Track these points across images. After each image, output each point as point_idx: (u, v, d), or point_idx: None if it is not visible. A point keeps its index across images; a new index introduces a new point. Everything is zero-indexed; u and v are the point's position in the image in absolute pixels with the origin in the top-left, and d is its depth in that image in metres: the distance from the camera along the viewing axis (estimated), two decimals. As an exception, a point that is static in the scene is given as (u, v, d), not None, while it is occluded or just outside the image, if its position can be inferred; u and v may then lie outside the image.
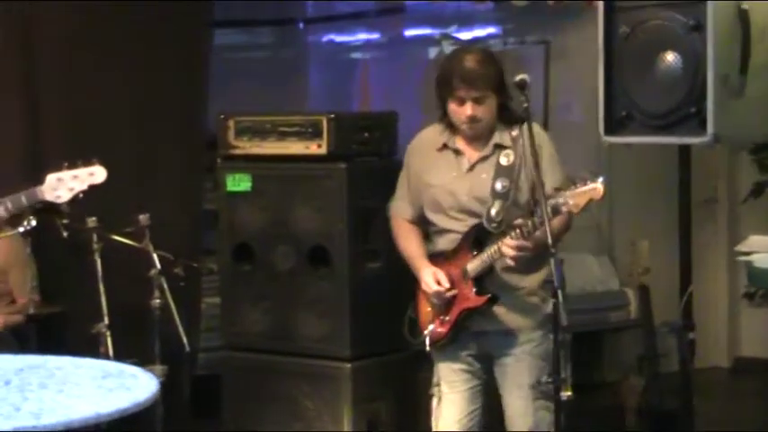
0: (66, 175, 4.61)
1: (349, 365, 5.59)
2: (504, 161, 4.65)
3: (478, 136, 4.70)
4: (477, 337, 4.78)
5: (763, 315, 8.20)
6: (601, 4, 4.86)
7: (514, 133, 4.66)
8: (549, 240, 4.34)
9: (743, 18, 4.54)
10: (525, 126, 4.58)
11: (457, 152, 4.75)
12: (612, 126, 4.74)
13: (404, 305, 5.85)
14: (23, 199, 4.58)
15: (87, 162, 4.66)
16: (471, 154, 4.73)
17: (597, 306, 7.34)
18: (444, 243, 4.80)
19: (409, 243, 4.90)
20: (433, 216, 4.83)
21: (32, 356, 3.68)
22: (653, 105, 4.77)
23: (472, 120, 4.63)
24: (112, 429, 3.11)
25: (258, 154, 5.84)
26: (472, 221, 4.68)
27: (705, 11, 4.51)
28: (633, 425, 6.13)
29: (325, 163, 5.66)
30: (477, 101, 4.62)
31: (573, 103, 7.96)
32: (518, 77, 4.56)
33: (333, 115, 5.67)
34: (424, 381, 5.85)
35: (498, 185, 4.59)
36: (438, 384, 4.89)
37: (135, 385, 3.20)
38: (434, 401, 4.91)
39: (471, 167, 4.71)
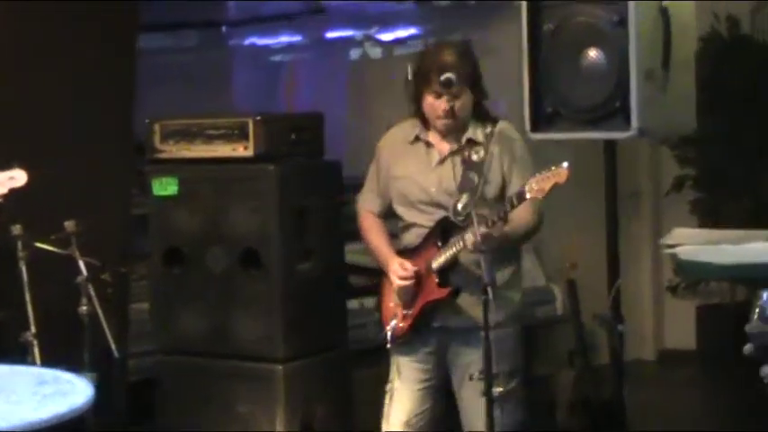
0: None
1: (282, 366, 5.58)
2: (474, 156, 4.66)
3: (451, 131, 4.73)
4: (438, 332, 4.79)
5: (686, 307, 8.34)
6: (524, 3, 4.92)
7: (488, 130, 4.69)
8: (478, 237, 4.39)
9: (664, 15, 4.61)
10: (500, 125, 4.68)
11: (428, 145, 4.79)
12: (538, 123, 4.79)
13: (338, 305, 5.90)
14: None
15: (7, 166, 4.59)
16: (442, 147, 4.76)
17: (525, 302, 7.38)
18: (411, 238, 4.81)
19: (376, 236, 4.91)
20: (401, 209, 4.85)
21: (-31, 364, 3.65)
22: (579, 101, 4.84)
23: (448, 114, 4.65)
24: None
25: (185, 157, 5.82)
26: (440, 214, 4.69)
27: (628, 8, 4.58)
28: (565, 418, 6.19)
29: (255, 164, 5.65)
30: (453, 95, 4.65)
31: (498, 101, 8.01)
32: (443, 77, 4.61)
33: (259, 117, 5.66)
34: (360, 381, 5.90)
35: (466, 180, 4.61)
36: (392, 381, 4.90)
37: (71, 391, 3.19)
38: (387, 398, 4.91)
39: (441, 161, 4.74)
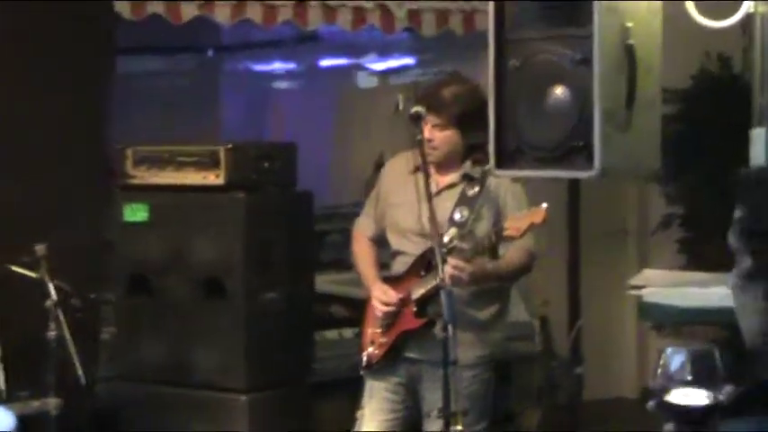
0: None
1: (245, 397, 5.56)
2: (469, 192, 4.70)
3: (440, 163, 4.76)
4: (410, 363, 4.80)
5: (671, 346, 8.22)
6: (491, 39, 4.85)
7: (486, 168, 4.68)
8: (442, 275, 4.34)
9: (629, 52, 4.54)
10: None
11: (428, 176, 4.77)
12: (502, 159, 4.72)
13: (301, 336, 5.85)
14: None
15: None
16: (440, 180, 4.79)
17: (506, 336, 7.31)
18: (398, 266, 4.85)
19: (364, 262, 4.96)
20: (392, 237, 4.89)
21: None
22: (542, 139, 4.75)
23: (427, 142, 4.66)
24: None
25: (156, 184, 5.79)
26: (426, 245, 4.68)
27: (592, 45, 4.50)
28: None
29: (225, 193, 5.61)
30: (435, 127, 4.68)
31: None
32: (413, 110, 4.60)
33: (230, 145, 5.65)
34: (323, 413, 5.84)
35: (457, 214, 4.64)
36: (362, 407, 4.89)
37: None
38: (357, 425, 4.91)
39: (437, 193, 4.74)
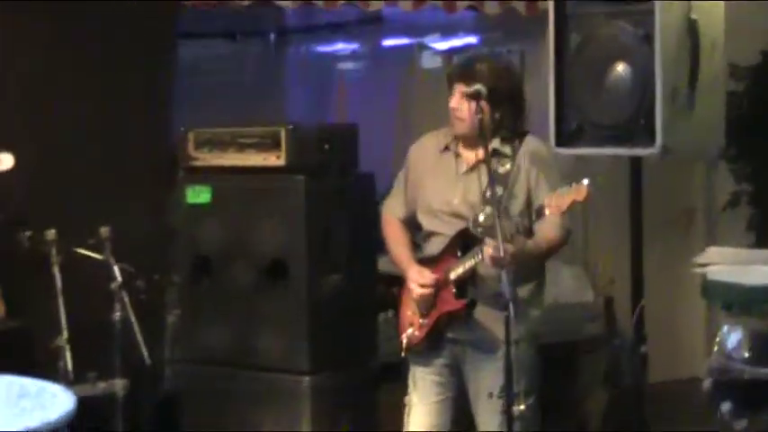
0: None
1: (308, 379, 5.53)
2: (500, 169, 4.63)
3: (467, 139, 4.70)
4: (453, 344, 4.75)
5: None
6: (551, 15, 4.82)
7: (516, 144, 4.66)
8: (501, 250, 4.31)
9: (692, 29, 4.48)
10: (527, 139, 4.66)
11: (457, 155, 4.76)
12: (563, 138, 4.68)
13: (365, 318, 5.83)
14: None
15: None
16: (469, 158, 4.73)
17: (570, 317, 7.26)
18: (432, 247, 4.78)
19: (398, 244, 4.89)
20: (423, 219, 4.82)
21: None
22: (603, 117, 4.72)
23: (453, 111, 4.67)
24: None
25: (218, 166, 5.79)
26: (460, 225, 4.65)
27: (654, 22, 4.44)
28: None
29: (284, 175, 5.60)
30: (464, 97, 4.64)
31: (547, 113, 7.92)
32: (473, 88, 4.58)
33: (291, 126, 5.62)
34: (386, 395, 5.82)
35: (490, 192, 4.52)
36: (410, 393, 4.87)
37: (51, 404, 3.14)
38: (405, 411, 4.88)
39: (467, 172, 4.71)
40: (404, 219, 4.92)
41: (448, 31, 8.70)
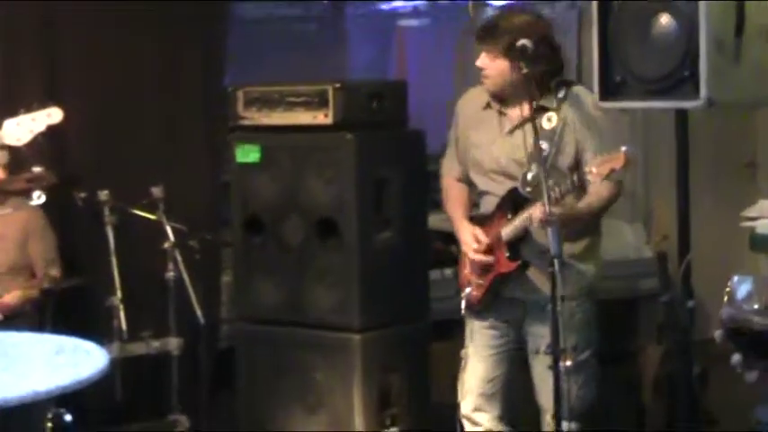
0: (23, 118, 4.73)
1: (359, 336, 5.54)
2: (546, 125, 4.60)
3: (504, 96, 4.69)
4: (510, 303, 4.77)
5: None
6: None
7: (561, 95, 4.61)
8: (547, 207, 4.30)
9: (738, -21, 4.37)
10: (574, 89, 4.65)
11: (501, 113, 4.74)
12: (607, 92, 4.63)
13: (416, 275, 5.83)
14: None
15: (43, 104, 4.72)
16: (513, 115, 4.70)
17: (630, 273, 7.22)
18: (486, 205, 4.80)
19: (453, 204, 4.90)
20: (475, 177, 4.83)
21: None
22: (648, 70, 4.65)
23: (479, 70, 4.67)
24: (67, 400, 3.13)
25: (267, 124, 5.79)
26: (510, 184, 4.65)
27: (698, -28, 4.35)
28: (650, 395, 6.03)
29: (333, 132, 5.59)
30: (488, 55, 4.64)
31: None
32: (519, 43, 4.54)
33: (338, 84, 5.60)
34: (437, 351, 5.83)
35: (537, 149, 4.48)
36: (466, 347, 4.90)
37: (85, 362, 3.19)
38: (462, 364, 4.91)
39: (512, 129, 4.69)
40: (459, 178, 4.92)
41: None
